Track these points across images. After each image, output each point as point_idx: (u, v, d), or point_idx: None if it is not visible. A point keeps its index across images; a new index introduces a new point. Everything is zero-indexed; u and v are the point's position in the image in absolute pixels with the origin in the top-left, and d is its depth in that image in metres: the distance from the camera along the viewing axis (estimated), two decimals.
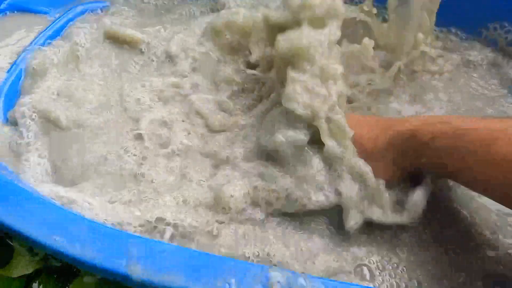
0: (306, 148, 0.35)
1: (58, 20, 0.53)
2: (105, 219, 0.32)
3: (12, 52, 0.51)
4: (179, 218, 0.33)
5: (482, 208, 0.36)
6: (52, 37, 0.51)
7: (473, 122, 0.29)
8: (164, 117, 0.42)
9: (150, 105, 0.44)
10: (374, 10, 0.47)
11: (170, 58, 0.48)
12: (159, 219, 0.33)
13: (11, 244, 0.37)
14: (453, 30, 0.52)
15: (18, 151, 0.41)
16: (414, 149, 0.32)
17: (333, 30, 0.34)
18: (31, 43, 0.50)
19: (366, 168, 0.33)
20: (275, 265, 0.32)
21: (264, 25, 0.38)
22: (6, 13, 0.55)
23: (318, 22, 0.34)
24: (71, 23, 0.53)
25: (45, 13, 0.55)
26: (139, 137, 0.41)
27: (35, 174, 0.39)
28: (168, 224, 0.33)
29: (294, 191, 0.34)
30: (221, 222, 0.34)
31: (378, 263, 0.33)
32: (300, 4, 0.33)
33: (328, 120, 0.33)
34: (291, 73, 0.33)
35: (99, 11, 0.56)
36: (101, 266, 0.25)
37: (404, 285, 0.32)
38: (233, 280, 0.24)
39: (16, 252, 0.37)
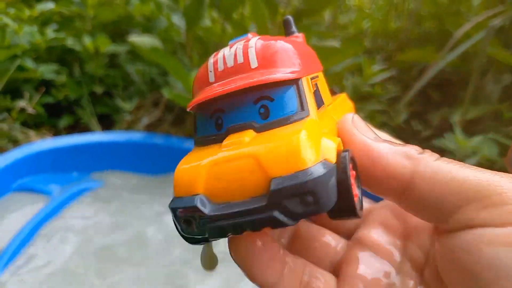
0: None
1: (55, 200, 0.60)
2: None
3: (10, 230, 0.56)
4: None
5: None
6: (49, 216, 0.58)
7: None
8: None
9: None
10: None
11: None
12: None
13: None
14: None
15: None
16: None
17: None
18: (26, 225, 0.56)
19: None
20: None
21: None
22: (13, 192, 0.62)
23: None
24: (68, 203, 0.60)
25: (47, 192, 0.61)
26: None
27: None
28: None
29: None
30: None
31: None
32: None
33: None
34: None
35: (95, 190, 0.63)
36: None
37: None
38: None
39: None
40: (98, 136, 0.68)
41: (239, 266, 0.17)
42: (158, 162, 0.66)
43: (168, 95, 0.62)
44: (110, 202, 0.63)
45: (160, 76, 0.84)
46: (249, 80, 0.15)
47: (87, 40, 0.77)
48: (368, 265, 0.19)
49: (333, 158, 0.15)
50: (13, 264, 0.52)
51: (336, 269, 0.20)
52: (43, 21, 0.89)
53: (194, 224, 0.15)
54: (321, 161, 0.14)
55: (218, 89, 0.16)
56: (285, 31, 0.21)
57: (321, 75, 0.19)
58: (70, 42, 0.80)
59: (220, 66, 0.16)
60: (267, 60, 0.16)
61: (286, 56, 0.16)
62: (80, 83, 0.82)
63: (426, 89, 0.80)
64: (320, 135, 0.15)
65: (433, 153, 0.17)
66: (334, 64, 0.64)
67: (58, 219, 0.60)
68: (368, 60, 0.65)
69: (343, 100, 0.23)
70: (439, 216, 0.16)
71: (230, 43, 0.18)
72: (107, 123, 0.87)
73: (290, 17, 0.20)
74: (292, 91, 0.16)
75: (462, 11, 0.87)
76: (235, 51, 0.16)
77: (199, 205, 0.14)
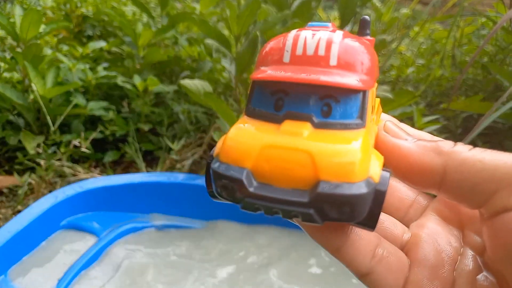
0: None
1: (102, 241, 0.60)
2: None
3: (58, 269, 0.57)
4: None
5: None
6: (95, 257, 0.58)
7: None
8: None
9: None
10: None
11: None
12: None
13: None
14: None
15: None
16: None
17: None
18: (74, 264, 0.56)
19: None
20: None
21: None
22: (61, 230, 0.62)
23: None
24: (114, 242, 0.60)
25: (95, 232, 0.62)
26: None
27: None
28: None
29: None
30: None
31: None
32: None
33: None
34: None
35: (141, 231, 0.64)
36: None
37: None
38: None
39: None
40: (149, 177, 0.68)
41: (300, 225, 0.18)
42: (204, 206, 0.66)
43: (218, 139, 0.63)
44: (154, 243, 0.63)
45: (204, 115, 0.85)
46: (325, 77, 0.15)
47: (137, 80, 0.80)
48: (434, 248, 0.20)
49: (377, 177, 0.15)
50: None
51: (404, 251, 0.21)
52: (94, 58, 0.93)
53: (230, 192, 0.15)
54: (367, 178, 0.15)
55: (290, 73, 0.16)
56: (359, 31, 0.21)
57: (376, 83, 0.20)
58: (120, 80, 0.82)
59: (299, 51, 0.16)
60: (347, 62, 0.16)
61: (364, 63, 0.16)
62: (127, 120, 0.84)
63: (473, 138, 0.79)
64: (370, 150, 0.16)
65: (466, 145, 0.18)
66: (385, 112, 0.64)
67: (103, 259, 0.60)
68: (418, 110, 0.65)
69: (379, 105, 0.24)
70: (477, 203, 0.17)
71: (309, 26, 0.18)
72: (149, 159, 0.88)
73: (368, 18, 0.20)
74: (358, 99, 0.16)
75: (508, 60, 0.87)
76: (318, 41, 0.16)
77: (245, 181, 0.15)
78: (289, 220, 0.17)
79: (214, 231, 0.66)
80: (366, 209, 0.15)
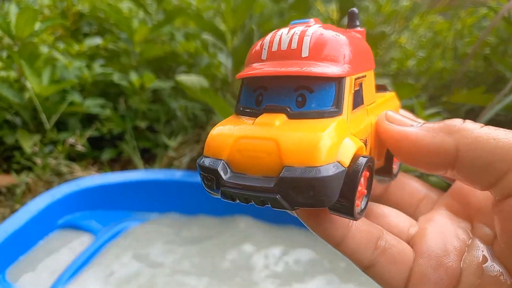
0: None
1: (99, 238, 0.59)
2: None
3: (57, 269, 0.56)
4: None
5: None
6: (93, 254, 0.57)
7: None
8: None
9: None
10: None
11: None
12: None
13: None
14: None
15: None
16: None
17: None
18: (71, 263, 0.56)
19: None
20: None
21: None
22: (59, 229, 0.62)
23: None
24: (112, 240, 0.60)
25: (92, 231, 0.61)
26: None
27: None
28: None
29: None
30: None
31: None
32: None
33: None
34: None
35: (135, 227, 0.63)
36: None
37: None
38: None
39: None
40: (146, 175, 0.68)
41: (302, 219, 0.18)
42: (201, 202, 0.65)
43: None
44: (152, 242, 0.63)
45: (202, 111, 0.84)
46: (295, 68, 0.16)
47: (134, 76, 0.79)
48: (440, 240, 0.20)
49: (346, 162, 0.15)
50: None
51: (410, 244, 0.21)
52: (90, 55, 0.92)
53: (213, 183, 0.17)
54: (333, 162, 0.15)
55: (265, 68, 0.17)
56: (348, 23, 0.21)
57: (370, 73, 0.19)
58: (116, 77, 0.81)
59: (274, 47, 0.17)
60: (319, 52, 0.16)
61: (338, 52, 0.16)
62: (124, 117, 0.84)
63: None
64: (344, 136, 0.16)
65: (476, 122, 0.17)
66: None
67: (101, 258, 0.59)
68: (420, 103, 0.64)
69: (390, 99, 0.23)
70: (488, 182, 0.16)
71: (291, 24, 0.18)
72: (147, 156, 0.87)
73: (355, 10, 0.21)
74: (332, 88, 0.16)
75: (510, 51, 0.85)
76: (292, 35, 0.17)
77: (220, 170, 0.16)
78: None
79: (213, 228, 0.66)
80: (334, 193, 0.15)
